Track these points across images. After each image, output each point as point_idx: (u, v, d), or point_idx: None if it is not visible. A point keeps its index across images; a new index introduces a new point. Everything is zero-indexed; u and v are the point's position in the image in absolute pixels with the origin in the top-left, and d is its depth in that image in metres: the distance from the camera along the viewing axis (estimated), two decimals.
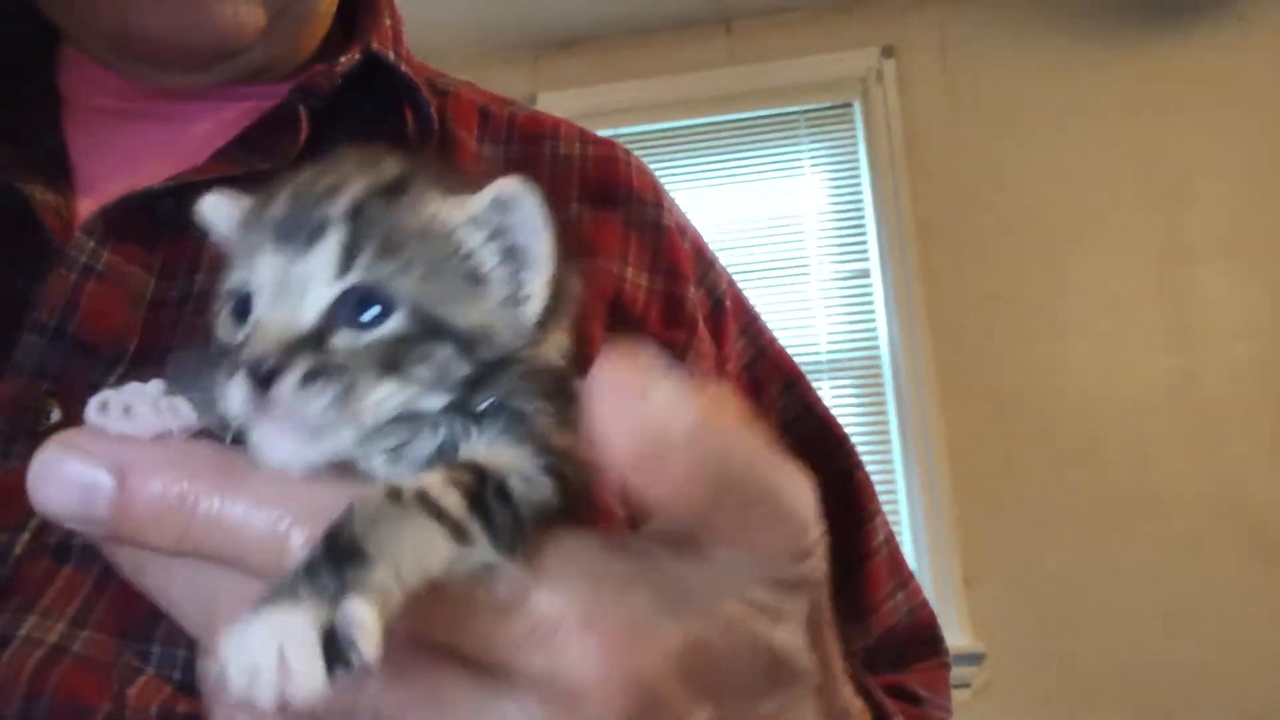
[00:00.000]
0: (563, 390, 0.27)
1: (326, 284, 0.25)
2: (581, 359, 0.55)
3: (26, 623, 0.43)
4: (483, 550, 0.24)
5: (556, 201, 0.61)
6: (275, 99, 0.59)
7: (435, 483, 0.24)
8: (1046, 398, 2.77)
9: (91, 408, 0.27)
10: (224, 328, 0.28)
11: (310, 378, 0.24)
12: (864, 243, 2.93)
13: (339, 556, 0.23)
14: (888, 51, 2.98)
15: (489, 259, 0.26)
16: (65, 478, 0.27)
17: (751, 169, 2.99)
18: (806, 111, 3.02)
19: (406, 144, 0.60)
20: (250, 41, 0.58)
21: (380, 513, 0.24)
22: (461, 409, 0.26)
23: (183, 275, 0.53)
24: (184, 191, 0.54)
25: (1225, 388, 2.73)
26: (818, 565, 0.31)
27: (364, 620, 0.22)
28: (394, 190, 0.26)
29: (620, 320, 0.58)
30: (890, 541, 0.63)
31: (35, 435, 0.48)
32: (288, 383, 0.24)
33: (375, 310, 0.25)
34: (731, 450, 0.28)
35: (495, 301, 0.26)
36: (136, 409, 0.26)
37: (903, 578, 0.63)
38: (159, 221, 0.54)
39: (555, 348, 0.28)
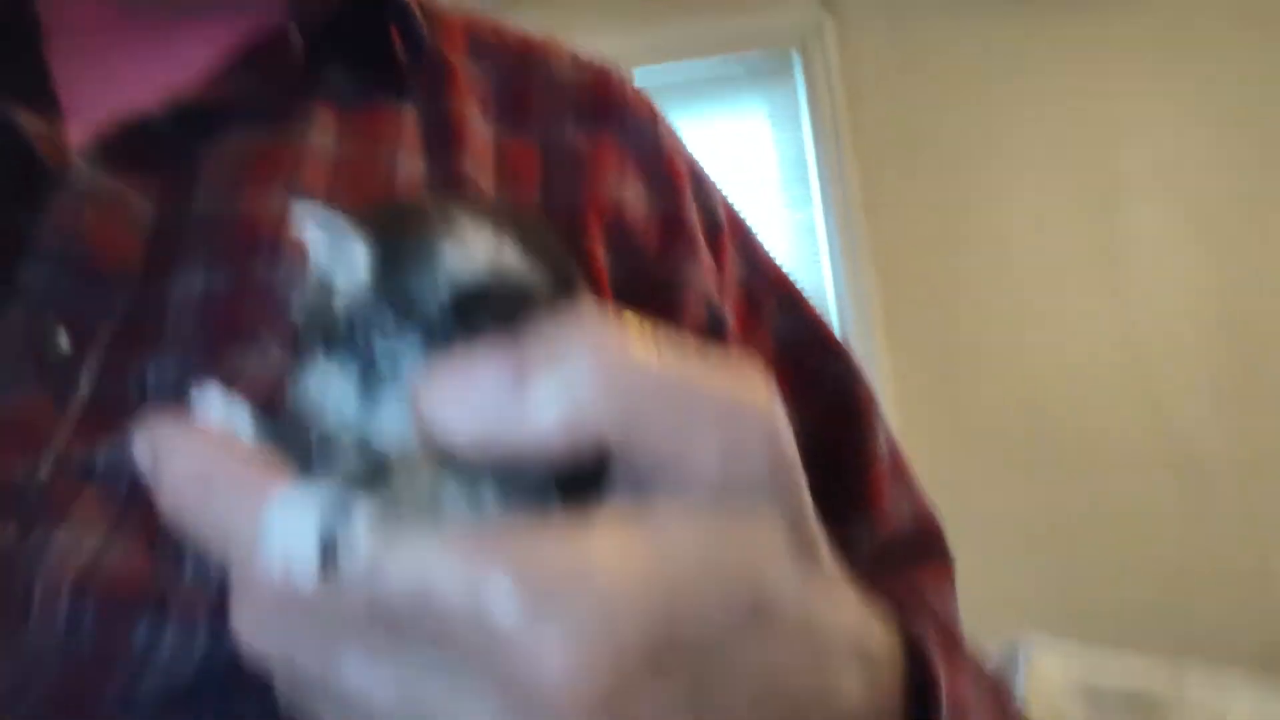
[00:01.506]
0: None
1: None
2: (587, 281, 0.54)
3: (59, 538, 0.44)
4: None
5: (551, 122, 0.62)
6: (264, 18, 0.58)
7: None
8: (990, 348, 2.83)
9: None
10: None
11: None
12: (808, 194, 2.94)
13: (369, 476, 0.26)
14: (827, 4, 2.97)
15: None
16: (137, 449, 0.29)
17: (693, 121, 2.97)
18: (747, 62, 3.01)
19: (397, 68, 0.59)
20: None
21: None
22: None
23: (182, 200, 0.53)
24: (180, 115, 0.53)
25: (1161, 335, 2.80)
26: (775, 467, 0.29)
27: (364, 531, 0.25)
28: None
29: (618, 238, 0.58)
30: (894, 449, 0.64)
31: (46, 364, 0.48)
32: None
33: None
34: (643, 356, 0.27)
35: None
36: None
37: (907, 485, 0.64)
38: (155, 146, 0.53)
39: None
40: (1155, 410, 2.77)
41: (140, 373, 0.49)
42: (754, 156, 2.99)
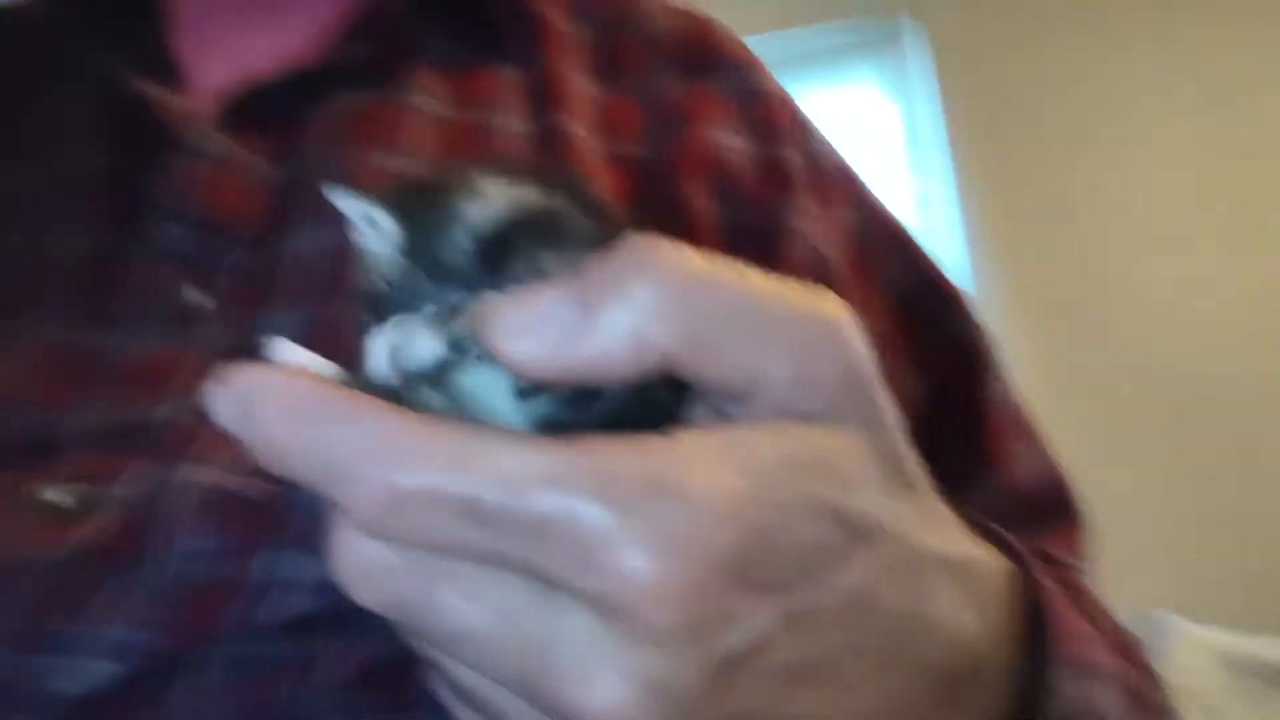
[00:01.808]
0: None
1: None
2: (682, 230, 0.54)
3: (181, 470, 0.46)
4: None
5: (651, 77, 0.62)
6: None
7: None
8: (1119, 314, 2.73)
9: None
10: None
11: None
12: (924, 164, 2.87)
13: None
14: None
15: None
16: (222, 408, 0.29)
17: (803, 92, 2.94)
18: (859, 26, 2.95)
19: (498, 26, 0.61)
20: None
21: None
22: None
23: (293, 159, 0.55)
24: (296, 81, 0.57)
25: None
26: (852, 386, 0.29)
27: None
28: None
29: (723, 187, 0.58)
30: (1014, 400, 0.62)
31: (173, 315, 0.51)
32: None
33: None
34: (713, 285, 0.27)
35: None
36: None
37: (1030, 436, 0.61)
38: (268, 110, 0.56)
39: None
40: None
41: (260, 323, 0.51)
42: (865, 127, 2.92)
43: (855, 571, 0.28)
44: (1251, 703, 0.98)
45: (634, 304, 0.27)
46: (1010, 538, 0.38)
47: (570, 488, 0.25)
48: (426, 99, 0.58)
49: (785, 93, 0.65)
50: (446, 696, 0.32)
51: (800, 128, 0.63)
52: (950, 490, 0.33)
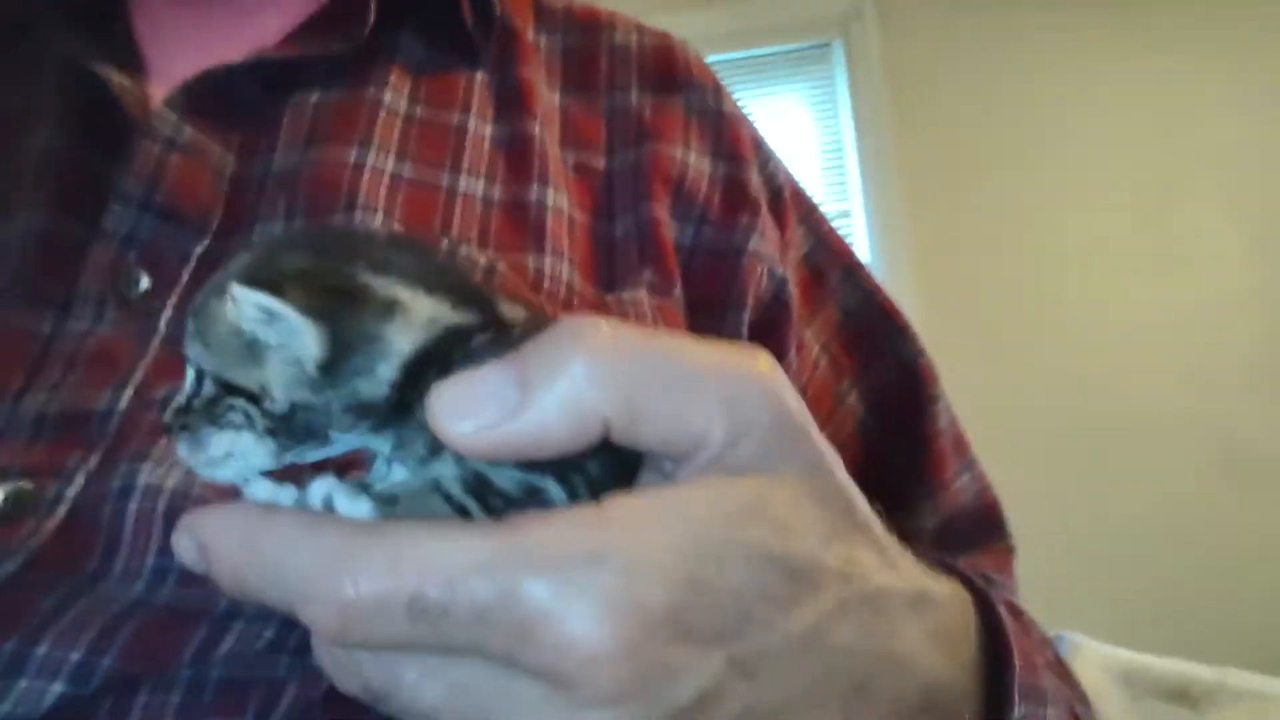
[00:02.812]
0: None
1: (189, 367, 0.31)
2: (644, 244, 0.54)
3: (143, 472, 0.45)
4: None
5: (617, 91, 0.63)
6: None
7: (446, 477, 0.30)
8: (1036, 334, 2.80)
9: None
10: None
11: (177, 430, 0.31)
12: (845, 184, 2.92)
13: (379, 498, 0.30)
14: None
15: (269, 337, 0.30)
16: (185, 553, 0.31)
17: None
18: (787, 52, 3.00)
19: (469, 32, 0.60)
20: None
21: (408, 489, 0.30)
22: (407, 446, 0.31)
23: (262, 153, 0.54)
24: (262, 70, 0.56)
25: (1209, 319, 2.77)
26: (786, 438, 0.30)
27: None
28: (219, 291, 0.30)
29: (683, 205, 0.58)
30: (955, 425, 0.64)
31: (127, 302, 0.50)
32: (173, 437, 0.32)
33: (200, 381, 0.31)
34: (644, 355, 0.29)
35: (281, 368, 0.30)
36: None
37: (969, 460, 0.64)
38: (236, 101, 0.55)
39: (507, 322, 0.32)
40: (1197, 394, 2.74)
41: None
42: (792, 145, 2.98)
43: (804, 615, 0.29)
44: (1149, 718, 1.03)
45: (569, 376, 0.28)
46: (962, 568, 0.40)
47: (505, 570, 0.26)
48: (397, 98, 0.58)
49: (746, 116, 0.66)
50: None
51: (760, 151, 0.65)
52: (892, 511, 0.34)
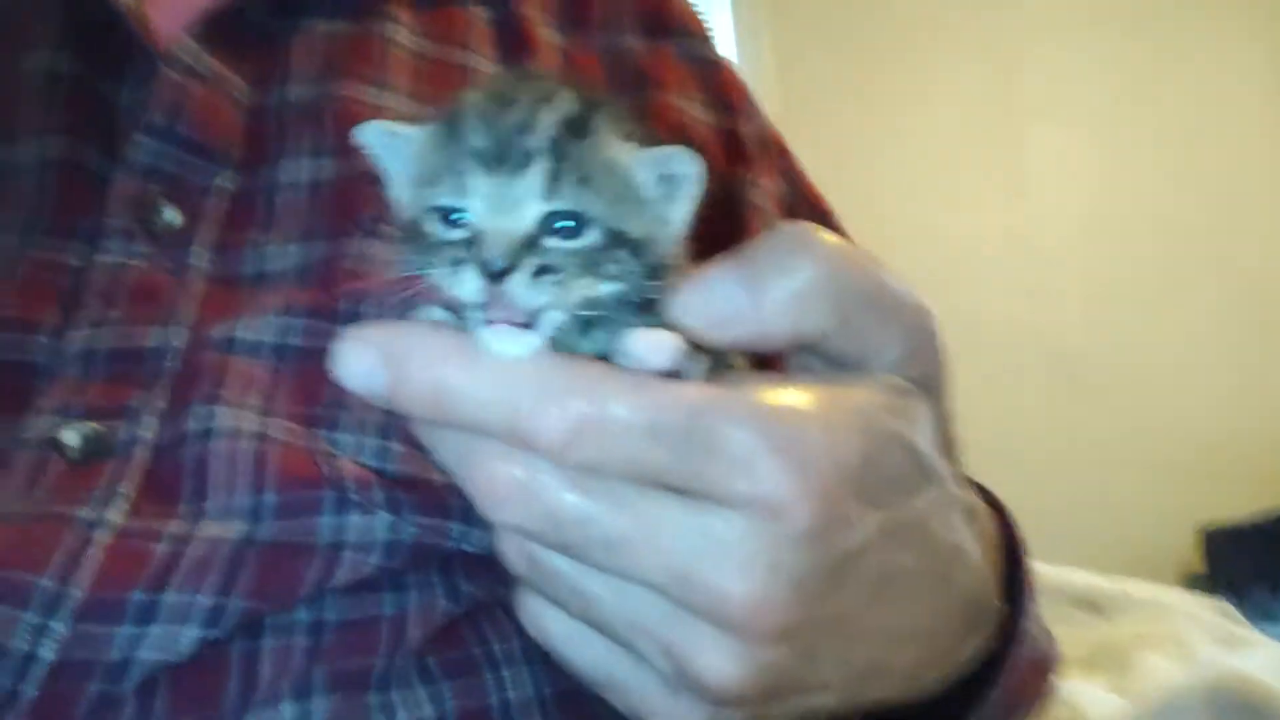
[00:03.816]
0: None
1: (536, 204, 0.31)
2: None
3: (219, 414, 0.44)
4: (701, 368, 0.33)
5: (611, 32, 0.63)
6: None
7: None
8: (887, 247, 2.90)
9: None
10: (432, 228, 0.33)
11: (537, 274, 0.31)
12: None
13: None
14: None
15: (654, 191, 0.33)
16: (356, 364, 0.32)
17: None
18: None
19: None
20: None
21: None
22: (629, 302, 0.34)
23: (275, 84, 0.53)
24: (275, 2, 0.54)
25: (1051, 241, 2.97)
26: (935, 368, 0.37)
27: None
28: (579, 129, 0.32)
29: None
30: None
31: (153, 235, 0.49)
32: (519, 278, 0.30)
33: (573, 225, 0.31)
34: (857, 274, 0.34)
35: (655, 220, 0.33)
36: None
37: None
38: (246, 30, 0.54)
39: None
40: (1036, 308, 2.94)
41: (258, 253, 0.50)
42: None
43: (923, 500, 0.35)
44: (1063, 625, 1.17)
45: (798, 291, 0.33)
46: (987, 490, 0.47)
47: (733, 413, 0.31)
48: (402, 32, 0.57)
49: (733, 65, 0.67)
50: (543, 631, 0.36)
51: (747, 101, 0.66)
52: None
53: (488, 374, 0.30)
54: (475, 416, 0.31)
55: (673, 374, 0.32)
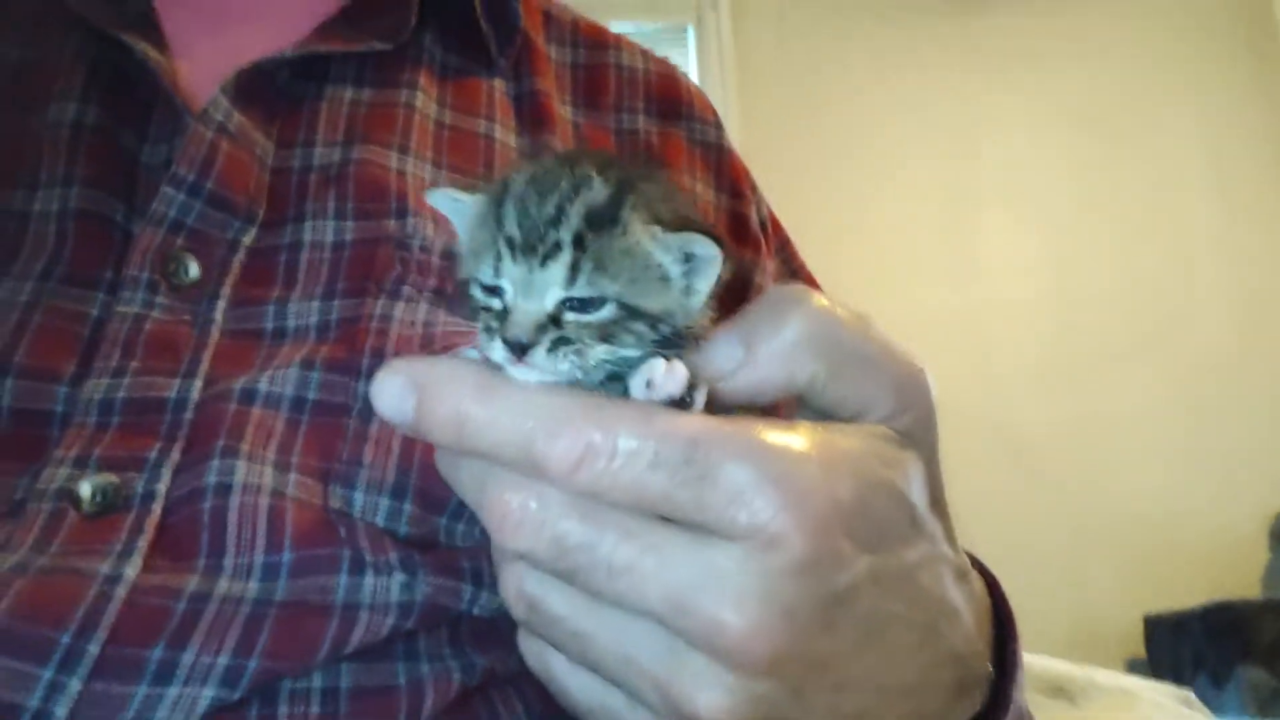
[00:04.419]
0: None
1: (557, 291, 0.34)
2: None
3: (237, 468, 0.44)
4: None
5: (624, 113, 0.65)
6: None
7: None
8: None
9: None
10: (475, 293, 0.37)
11: (554, 346, 0.34)
12: None
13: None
14: None
15: (674, 271, 0.36)
16: (388, 392, 0.35)
17: None
18: (640, 34, 3.01)
19: (489, 41, 0.61)
20: None
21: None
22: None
23: (300, 146, 0.54)
24: (305, 61, 0.55)
25: (1000, 325, 3.02)
26: (927, 424, 0.38)
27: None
28: (605, 218, 0.35)
29: None
30: None
31: (177, 289, 0.49)
32: (539, 352, 0.34)
33: (591, 302, 0.35)
34: (845, 329, 0.36)
35: (675, 296, 0.36)
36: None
37: None
38: (273, 91, 0.54)
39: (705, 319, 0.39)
40: (985, 390, 2.99)
41: (279, 309, 0.50)
42: None
43: (914, 552, 0.36)
44: (1036, 711, 1.15)
45: (786, 335, 0.35)
46: (976, 559, 0.46)
47: (734, 446, 0.32)
48: (427, 100, 0.58)
49: (737, 152, 0.69)
50: (546, 667, 0.37)
51: (752, 185, 0.68)
52: None
53: (506, 406, 0.33)
54: (493, 444, 0.33)
55: (681, 405, 0.34)
